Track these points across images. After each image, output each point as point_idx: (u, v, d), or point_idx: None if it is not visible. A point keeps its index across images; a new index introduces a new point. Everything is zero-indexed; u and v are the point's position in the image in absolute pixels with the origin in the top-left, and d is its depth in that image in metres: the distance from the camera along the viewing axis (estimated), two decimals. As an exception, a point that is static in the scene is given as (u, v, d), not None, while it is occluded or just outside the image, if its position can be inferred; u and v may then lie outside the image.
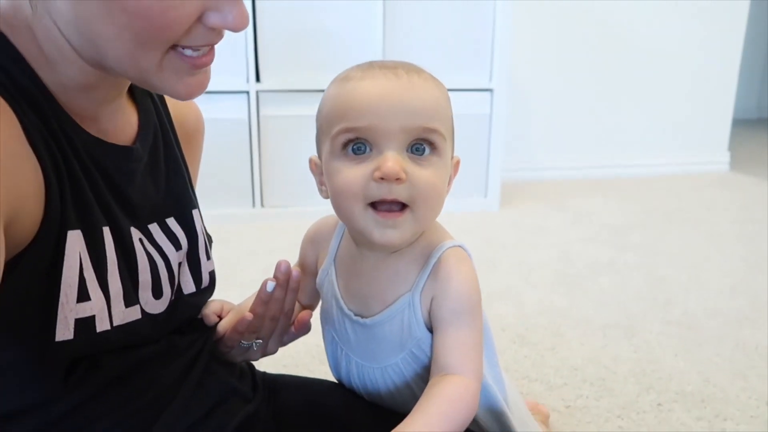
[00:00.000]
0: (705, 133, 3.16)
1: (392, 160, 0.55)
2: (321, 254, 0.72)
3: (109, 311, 0.53)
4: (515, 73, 2.68)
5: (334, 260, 0.69)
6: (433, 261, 0.61)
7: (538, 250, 2.02)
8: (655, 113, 3.07)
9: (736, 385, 1.22)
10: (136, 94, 0.64)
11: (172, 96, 0.53)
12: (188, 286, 0.66)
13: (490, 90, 2.35)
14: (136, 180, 0.60)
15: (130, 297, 0.56)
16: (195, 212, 0.68)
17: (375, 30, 2.21)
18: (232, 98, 2.15)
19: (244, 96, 2.16)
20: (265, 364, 0.78)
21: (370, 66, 0.59)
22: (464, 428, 0.57)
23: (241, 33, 2.11)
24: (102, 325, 0.52)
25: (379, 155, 0.56)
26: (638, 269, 1.84)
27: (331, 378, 0.76)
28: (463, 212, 2.38)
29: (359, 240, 0.64)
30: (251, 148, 2.21)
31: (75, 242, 0.51)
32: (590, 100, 2.98)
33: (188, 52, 0.50)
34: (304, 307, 0.77)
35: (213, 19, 0.48)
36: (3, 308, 0.42)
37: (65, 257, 0.50)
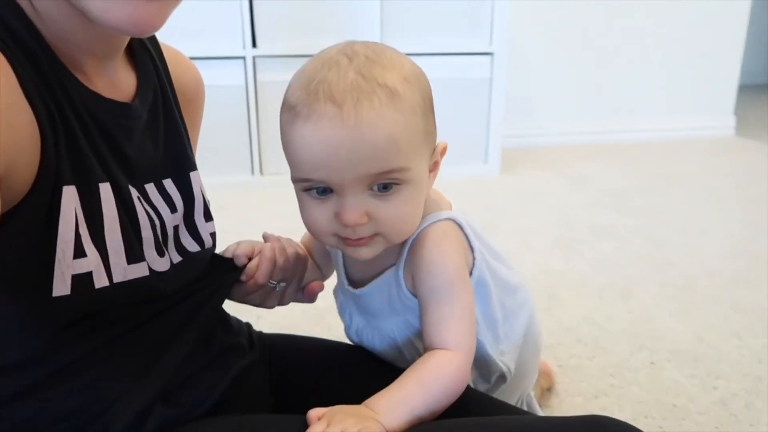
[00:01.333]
0: (711, 97, 3.11)
1: (351, 209, 0.55)
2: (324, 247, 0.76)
3: (108, 268, 0.53)
4: (515, 36, 2.63)
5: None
6: (410, 240, 0.62)
7: (537, 214, 2.01)
8: (660, 77, 3.02)
9: (730, 344, 1.22)
10: (137, 54, 0.63)
11: (114, 23, 0.49)
12: (192, 247, 0.66)
13: (490, 54, 2.32)
14: (135, 138, 0.59)
15: (135, 254, 0.56)
16: (193, 174, 0.68)
17: (372, -8, 2.17)
18: (228, 64, 2.13)
19: (241, 62, 2.14)
20: (260, 327, 0.78)
21: (316, 96, 0.54)
22: (449, 400, 0.58)
23: (236, -2, 2.08)
24: (100, 282, 0.52)
25: (341, 200, 0.56)
26: (638, 233, 1.83)
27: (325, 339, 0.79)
28: (463, 178, 2.36)
29: None
30: (249, 115, 2.20)
31: (70, 198, 0.50)
32: (593, 64, 2.93)
33: None
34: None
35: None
36: (0, 263, 0.42)
37: (60, 213, 0.49)
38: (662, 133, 3.05)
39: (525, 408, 0.90)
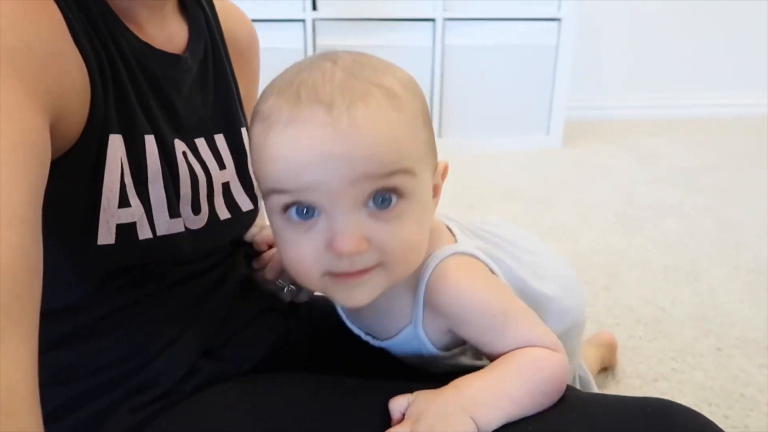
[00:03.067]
0: (797, 71, 2.89)
1: (346, 233, 0.43)
2: None
3: (151, 220, 0.53)
4: (586, 1, 2.50)
5: None
6: (421, 292, 0.51)
7: (599, 189, 1.92)
8: (741, 49, 2.81)
9: (807, 334, 1.14)
10: (189, 6, 0.62)
11: None
12: (245, 204, 0.65)
13: (558, 19, 2.21)
14: (184, 90, 0.59)
15: (174, 208, 0.56)
16: (244, 131, 0.67)
17: (436, -47, 2.10)
18: (287, 27, 2.11)
19: (300, 24, 2.12)
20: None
21: (297, 99, 0.43)
22: (551, 395, 0.49)
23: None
24: (144, 233, 0.52)
25: (330, 220, 0.44)
26: (707, 212, 1.73)
27: None
28: (523, 149, 2.29)
29: None
30: (306, 79, 2.18)
31: (116, 147, 0.50)
32: (668, 33, 2.76)
33: None
34: None
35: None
36: (48, 208, 0.42)
37: (107, 161, 0.49)
38: (742, 109, 2.86)
39: (578, 386, 0.87)
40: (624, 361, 1.07)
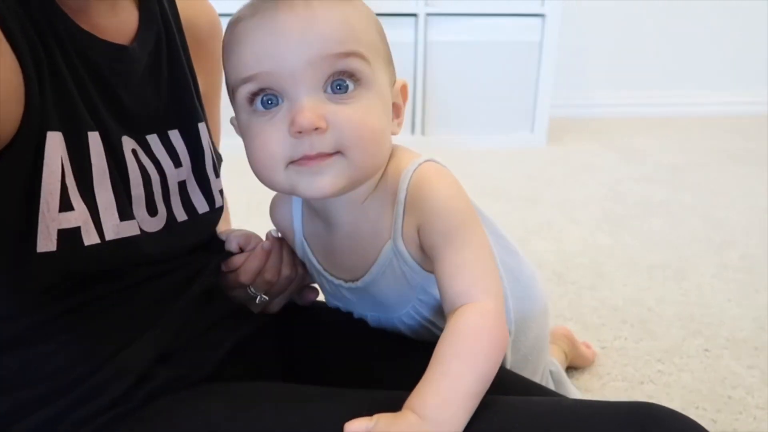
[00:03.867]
0: (781, 69, 2.88)
1: (305, 110, 0.46)
2: (288, 235, 0.64)
3: (99, 223, 0.49)
4: (571, -3, 2.47)
5: (304, 237, 0.62)
6: (402, 194, 0.52)
7: (585, 187, 1.89)
8: (726, 46, 2.80)
9: (796, 334, 1.11)
10: None
11: None
12: (201, 206, 0.62)
13: (541, 15, 2.18)
14: (132, 84, 0.55)
15: (125, 211, 0.52)
16: (201, 126, 0.63)
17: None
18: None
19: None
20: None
21: (262, 1, 0.48)
22: (497, 359, 0.48)
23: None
24: (90, 238, 0.48)
25: (291, 103, 0.47)
26: (694, 210, 1.70)
27: None
28: (507, 148, 2.25)
29: (313, 208, 0.58)
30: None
31: (56, 145, 0.46)
32: (653, 30, 2.74)
33: None
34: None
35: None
36: None
37: (45, 161, 0.46)
38: (724, 107, 2.84)
39: (552, 386, 0.83)
40: (609, 363, 1.03)
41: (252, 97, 0.48)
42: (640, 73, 2.80)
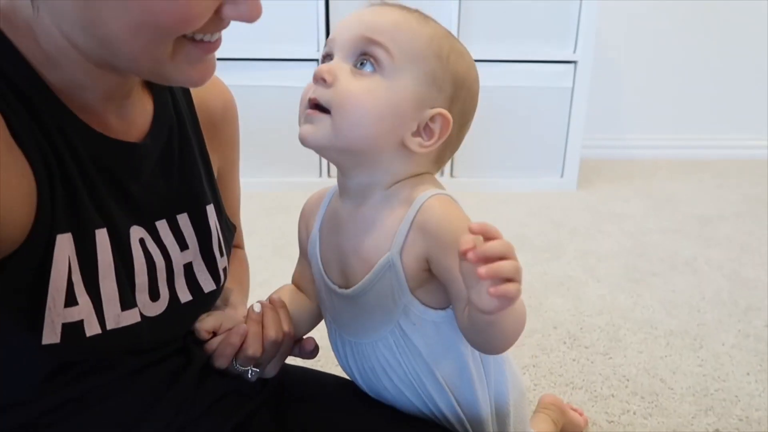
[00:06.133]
0: (828, 112, 2.79)
1: (327, 65, 0.57)
2: (309, 227, 0.69)
3: (101, 315, 0.52)
4: (603, 41, 2.46)
5: (320, 229, 0.67)
6: (413, 212, 0.57)
7: (610, 238, 1.88)
8: (761, 89, 2.73)
9: (813, 418, 1.08)
10: (154, 86, 0.62)
11: (184, 84, 0.54)
12: (207, 285, 0.64)
13: (573, 62, 2.18)
14: (143, 177, 0.58)
15: (128, 300, 0.55)
16: (209, 208, 0.66)
17: (451, -4, 2.10)
18: (301, 66, 2.13)
19: (314, 65, 2.14)
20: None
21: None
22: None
23: (313, 1, 2.08)
24: (91, 329, 0.52)
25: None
26: (722, 269, 1.67)
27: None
28: (536, 191, 2.25)
29: (340, 183, 0.64)
30: (319, 117, 2.20)
31: (64, 246, 0.50)
32: (689, 71, 2.70)
33: (198, 36, 0.50)
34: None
35: (229, 12, 0.49)
36: None
37: (54, 262, 0.49)
38: (763, 152, 2.77)
39: None
40: (615, 440, 1.03)
41: (322, 59, 0.61)
42: (677, 113, 2.76)
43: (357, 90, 0.56)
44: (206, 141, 0.68)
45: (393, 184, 0.60)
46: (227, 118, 0.73)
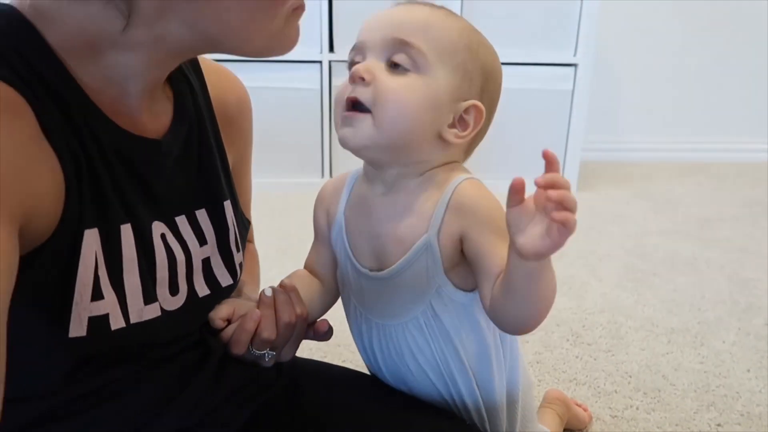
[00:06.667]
0: (825, 116, 2.82)
1: (363, 64, 0.59)
2: (331, 212, 0.70)
3: (125, 308, 0.53)
4: (603, 45, 2.48)
5: (345, 214, 0.67)
6: (448, 195, 0.60)
7: (611, 239, 1.90)
8: (764, 91, 2.76)
9: (814, 413, 1.10)
10: (174, 81, 0.62)
11: (283, 49, 0.56)
12: (224, 279, 0.65)
13: (574, 65, 2.21)
14: (165, 172, 0.59)
15: (149, 294, 0.56)
16: (227, 204, 0.67)
17: (452, 1, 2.12)
18: (305, 68, 2.15)
19: (317, 66, 2.15)
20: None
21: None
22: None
23: (316, 2, 2.09)
24: (116, 323, 0.53)
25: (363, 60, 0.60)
26: (722, 269, 1.69)
27: (361, 365, 0.75)
28: (537, 193, 2.27)
29: (361, 192, 0.66)
30: (322, 119, 2.21)
31: (91, 241, 0.50)
32: (687, 75, 2.73)
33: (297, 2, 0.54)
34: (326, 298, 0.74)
35: None
36: (18, 303, 0.43)
37: (81, 256, 0.50)
38: (762, 155, 2.80)
39: None
40: (619, 434, 1.05)
41: (351, 64, 0.62)
42: (676, 115, 2.78)
43: (396, 86, 0.58)
44: (222, 136, 0.69)
45: (426, 171, 0.63)
46: (242, 112, 0.74)
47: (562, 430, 0.99)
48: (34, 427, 0.53)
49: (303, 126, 2.22)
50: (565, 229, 0.48)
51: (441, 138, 0.61)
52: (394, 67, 0.58)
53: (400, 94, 0.58)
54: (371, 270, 0.65)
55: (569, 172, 2.33)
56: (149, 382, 0.58)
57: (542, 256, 0.50)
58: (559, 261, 1.71)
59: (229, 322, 0.65)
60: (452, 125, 0.61)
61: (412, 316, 0.64)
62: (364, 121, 0.58)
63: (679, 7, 2.62)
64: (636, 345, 1.31)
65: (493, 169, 2.36)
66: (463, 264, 0.62)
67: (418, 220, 0.61)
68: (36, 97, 0.47)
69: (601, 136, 2.72)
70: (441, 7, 0.62)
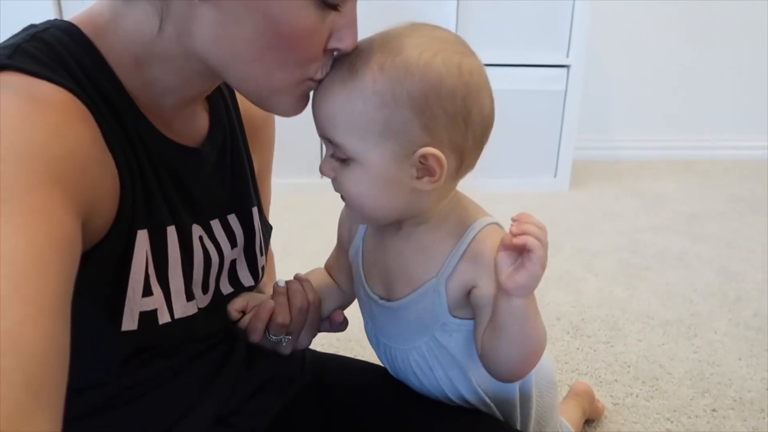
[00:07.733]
0: (806, 115, 2.91)
1: (323, 161, 0.60)
2: (353, 230, 0.72)
3: (170, 305, 0.57)
4: (595, 47, 2.55)
5: (363, 239, 0.69)
6: (465, 242, 0.60)
7: (604, 236, 1.96)
8: (749, 90, 2.85)
9: (802, 398, 1.16)
10: (211, 96, 0.66)
11: (282, 114, 0.59)
12: (247, 280, 0.69)
13: (566, 66, 2.27)
14: (203, 179, 0.63)
15: (190, 292, 0.60)
16: (254, 210, 0.71)
17: (447, 2, 2.17)
18: (304, 70, 2.18)
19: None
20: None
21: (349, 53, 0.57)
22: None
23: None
24: (163, 318, 0.57)
25: None
26: (711, 263, 1.76)
27: (373, 358, 0.79)
28: (531, 192, 2.33)
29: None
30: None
31: (143, 241, 0.54)
32: (675, 75, 2.81)
33: (318, 75, 0.55)
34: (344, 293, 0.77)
35: (334, 43, 0.54)
36: (74, 298, 0.46)
37: (134, 254, 0.54)
38: (751, 152, 2.88)
39: None
40: (620, 420, 1.10)
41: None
42: (664, 115, 2.86)
43: (348, 184, 0.59)
44: (249, 143, 0.73)
45: (431, 214, 0.62)
46: (267, 124, 0.79)
47: (582, 422, 1.04)
48: (88, 418, 0.57)
49: (303, 127, 2.24)
50: (533, 255, 0.52)
51: (418, 190, 0.58)
52: (338, 159, 0.58)
53: (353, 190, 0.59)
54: (380, 297, 0.67)
55: (562, 172, 2.39)
56: (188, 373, 0.63)
57: (521, 287, 0.53)
58: (554, 257, 1.77)
59: (244, 313, 0.68)
60: (420, 176, 0.57)
61: (415, 345, 0.66)
62: (349, 208, 0.62)
63: (667, 10, 2.70)
64: (633, 336, 1.37)
65: (488, 168, 2.42)
66: (469, 303, 0.62)
67: (429, 263, 0.62)
68: (96, 106, 0.51)
69: (592, 135, 2.79)
70: (353, 73, 0.55)
